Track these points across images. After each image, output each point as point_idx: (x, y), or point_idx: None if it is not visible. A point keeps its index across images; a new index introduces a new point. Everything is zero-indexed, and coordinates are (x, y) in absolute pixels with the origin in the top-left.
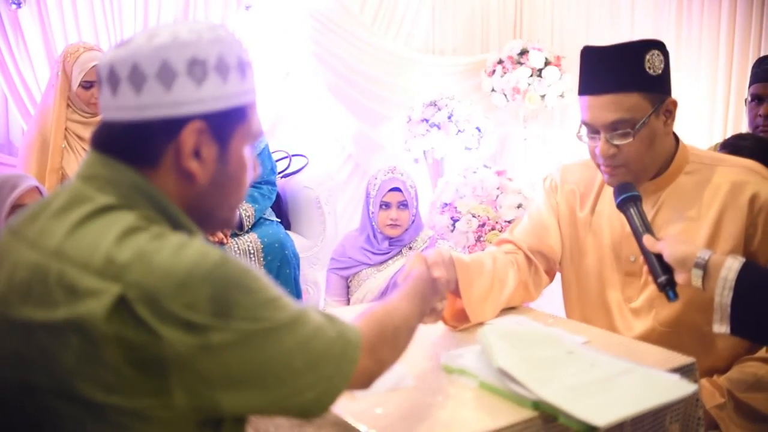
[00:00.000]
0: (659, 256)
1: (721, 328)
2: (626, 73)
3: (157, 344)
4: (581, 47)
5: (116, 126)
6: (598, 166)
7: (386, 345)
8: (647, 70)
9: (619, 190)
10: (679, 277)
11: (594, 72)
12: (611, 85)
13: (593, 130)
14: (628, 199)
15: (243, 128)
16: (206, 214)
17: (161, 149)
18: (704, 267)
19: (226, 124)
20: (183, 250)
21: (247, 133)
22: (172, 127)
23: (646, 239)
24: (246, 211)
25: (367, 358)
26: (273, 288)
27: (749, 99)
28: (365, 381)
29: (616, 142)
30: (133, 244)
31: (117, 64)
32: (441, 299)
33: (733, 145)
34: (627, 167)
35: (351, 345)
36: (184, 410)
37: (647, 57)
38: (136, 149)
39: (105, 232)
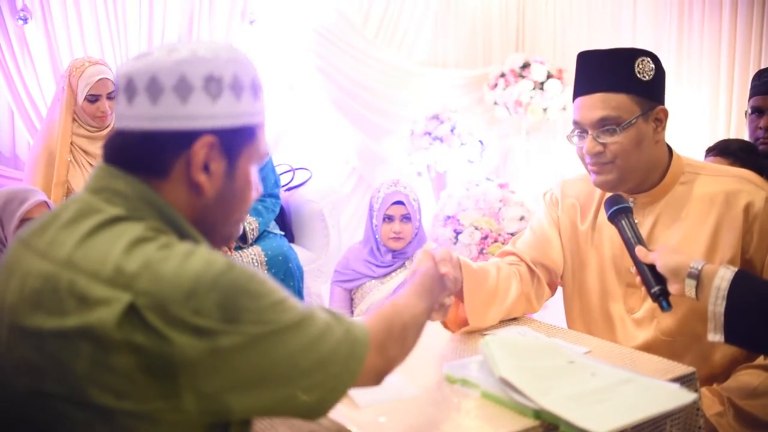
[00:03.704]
0: (652, 267)
1: (715, 336)
2: (615, 74)
3: (167, 349)
4: None
5: (129, 135)
6: (586, 166)
7: (395, 342)
8: (637, 74)
9: (609, 203)
10: (673, 287)
11: (586, 73)
12: (600, 85)
13: (582, 129)
14: (618, 211)
15: (251, 147)
16: (210, 228)
17: (172, 160)
18: (697, 277)
19: (236, 142)
20: (190, 258)
21: (255, 153)
22: (184, 139)
23: (638, 250)
24: (250, 224)
25: (376, 355)
26: (279, 291)
27: (749, 111)
28: (374, 378)
29: (603, 139)
30: (141, 254)
31: (135, 75)
32: (448, 294)
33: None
34: (614, 164)
35: (359, 343)
36: (193, 414)
37: (637, 62)
38: (147, 159)
39: (114, 242)
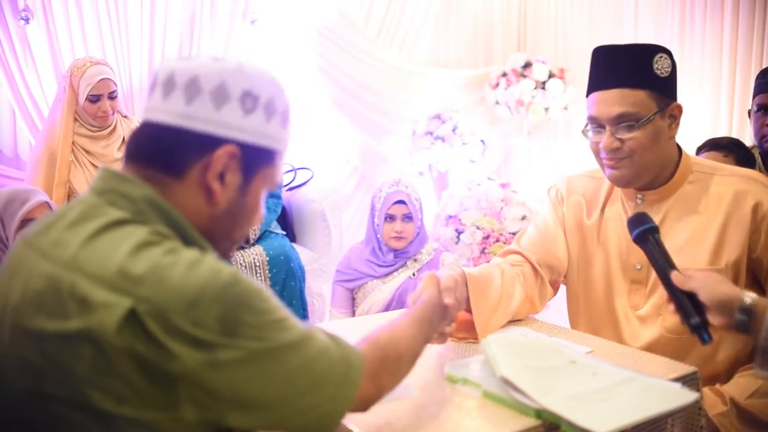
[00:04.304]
0: (690, 295)
1: (762, 371)
2: (634, 70)
3: (166, 359)
4: (584, 60)
5: (156, 127)
6: (601, 161)
7: (387, 371)
8: (655, 70)
9: (633, 223)
10: (716, 320)
11: (604, 68)
12: (619, 81)
13: (598, 125)
14: (645, 232)
15: (268, 170)
16: (212, 240)
17: (192, 162)
18: (749, 311)
19: (256, 160)
20: (196, 268)
21: (270, 177)
22: (209, 143)
23: (675, 276)
24: None
25: (368, 383)
26: (281, 309)
27: (755, 109)
28: (363, 405)
29: (621, 135)
30: (147, 258)
31: (177, 72)
32: (449, 323)
33: (712, 143)
34: (631, 159)
35: (353, 368)
36: (193, 423)
37: (655, 58)
38: (168, 155)
39: (118, 245)
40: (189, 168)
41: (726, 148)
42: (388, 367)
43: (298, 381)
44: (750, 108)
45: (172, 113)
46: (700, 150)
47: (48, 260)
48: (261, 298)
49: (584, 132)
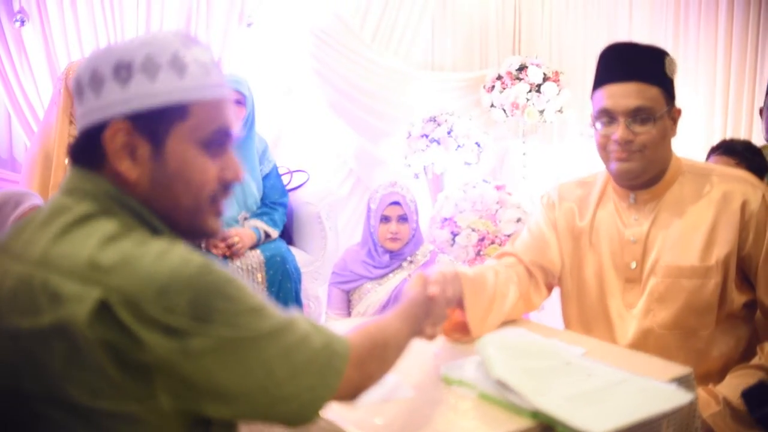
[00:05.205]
0: None
1: None
2: (651, 67)
3: (139, 348)
4: (579, 63)
5: (77, 136)
6: (607, 155)
7: (375, 360)
8: (666, 70)
9: (755, 401)
10: None
11: (621, 61)
12: (637, 74)
13: (611, 117)
14: None
15: (184, 126)
16: (168, 221)
17: (97, 153)
18: None
19: (158, 122)
20: (166, 256)
21: (193, 132)
22: (99, 130)
23: None
24: (270, 233)
25: (355, 371)
26: (257, 297)
27: (767, 108)
28: (351, 393)
29: (635, 129)
30: (116, 249)
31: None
32: (434, 323)
33: (727, 146)
34: (642, 153)
35: (337, 356)
36: (170, 414)
37: (666, 60)
38: (83, 156)
39: (87, 239)
40: (100, 160)
41: (739, 154)
42: (375, 355)
43: (276, 369)
44: (762, 105)
45: (78, 120)
46: (714, 150)
47: (20, 261)
48: (235, 285)
49: (593, 124)
